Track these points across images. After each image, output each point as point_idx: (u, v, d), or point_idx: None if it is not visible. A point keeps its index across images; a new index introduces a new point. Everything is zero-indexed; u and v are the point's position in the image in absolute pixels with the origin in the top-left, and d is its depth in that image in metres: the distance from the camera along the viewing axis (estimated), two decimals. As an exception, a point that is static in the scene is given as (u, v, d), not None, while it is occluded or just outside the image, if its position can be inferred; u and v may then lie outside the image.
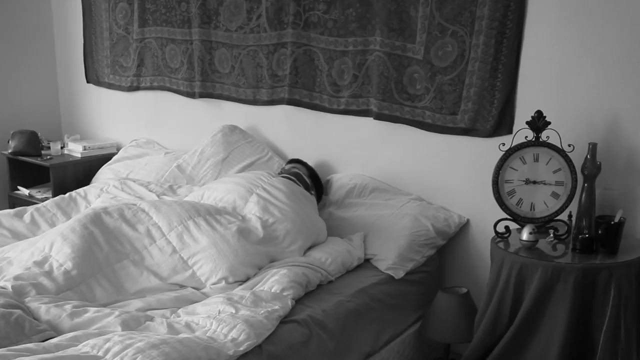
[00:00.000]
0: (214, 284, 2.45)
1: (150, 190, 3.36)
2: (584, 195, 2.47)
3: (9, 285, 2.20)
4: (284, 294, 2.32)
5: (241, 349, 1.97)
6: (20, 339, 1.94)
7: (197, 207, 2.68)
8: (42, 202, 3.76)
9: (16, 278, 2.23)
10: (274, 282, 2.39)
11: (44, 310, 2.10)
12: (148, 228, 2.55)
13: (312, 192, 3.07)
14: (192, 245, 2.51)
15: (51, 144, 4.10)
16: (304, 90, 3.36)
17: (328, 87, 3.27)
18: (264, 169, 3.41)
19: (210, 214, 2.64)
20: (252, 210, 2.76)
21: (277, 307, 2.22)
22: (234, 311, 2.16)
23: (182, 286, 2.44)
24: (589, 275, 2.26)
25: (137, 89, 4.09)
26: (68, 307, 2.13)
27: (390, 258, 2.75)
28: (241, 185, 2.89)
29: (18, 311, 2.01)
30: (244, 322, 2.05)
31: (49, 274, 2.29)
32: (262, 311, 2.17)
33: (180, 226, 2.56)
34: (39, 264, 2.33)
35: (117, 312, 2.13)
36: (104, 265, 2.39)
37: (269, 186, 2.86)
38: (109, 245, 2.45)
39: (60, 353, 1.83)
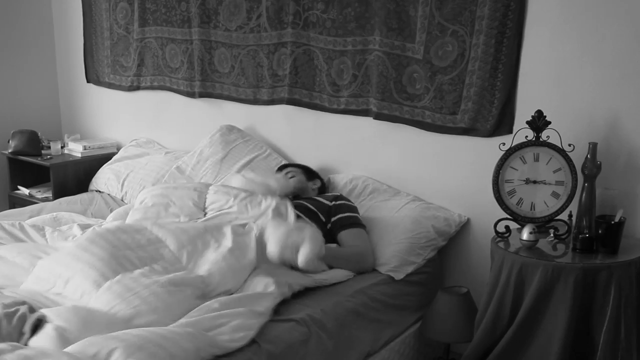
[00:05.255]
0: (218, 294, 2.43)
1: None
2: (584, 195, 2.47)
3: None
4: (269, 290, 2.31)
5: (237, 337, 1.99)
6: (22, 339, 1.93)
7: (212, 234, 2.55)
8: (42, 202, 3.79)
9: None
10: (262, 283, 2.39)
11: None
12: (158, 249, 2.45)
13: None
14: (200, 261, 2.43)
15: (51, 144, 4.10)
16: (303, 89, 3.36)
17: (327, 86, 3.27)
18: (263, 165, 3.41)
19: (231, 251, 2.49)
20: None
21: (270, 289, 2.27)
22: (226, 306, 2.16)
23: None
24: (589, 275, 2.25)
25: (138, 88, 4.09)
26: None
27: (391, 262, 2.73)
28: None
29: (22, 307, 2.00)
30: (237, 314, 2.07)
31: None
32: (256, 304, 2.19)
33: (189, 245, 2.46)
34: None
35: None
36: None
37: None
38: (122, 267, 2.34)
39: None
